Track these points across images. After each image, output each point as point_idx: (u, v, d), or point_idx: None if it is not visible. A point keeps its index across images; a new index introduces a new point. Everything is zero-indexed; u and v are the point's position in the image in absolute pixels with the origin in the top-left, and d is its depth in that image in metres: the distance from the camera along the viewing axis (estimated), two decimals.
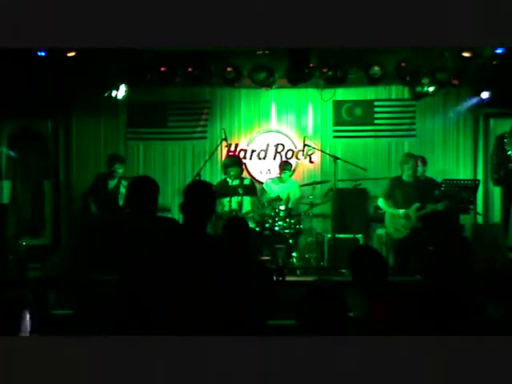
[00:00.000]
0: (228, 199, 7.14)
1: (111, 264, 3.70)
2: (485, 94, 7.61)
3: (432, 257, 5.00)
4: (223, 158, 8.14)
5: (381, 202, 7.15)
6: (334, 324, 2.88)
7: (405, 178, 6.99)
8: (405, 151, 7.98)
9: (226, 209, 7.12)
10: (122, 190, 6.99)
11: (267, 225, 7.13)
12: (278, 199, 7.15)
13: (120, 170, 7.25)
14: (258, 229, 7.11)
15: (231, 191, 7.20)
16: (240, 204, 7.15)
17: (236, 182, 7.29)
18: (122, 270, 3.59)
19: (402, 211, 6.88)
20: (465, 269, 4.66)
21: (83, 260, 7.02)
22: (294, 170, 7.89)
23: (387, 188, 7.11)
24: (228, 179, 7.38)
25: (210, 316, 3.21)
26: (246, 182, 7.48)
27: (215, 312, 3.29)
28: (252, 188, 7.49)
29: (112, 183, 7.24)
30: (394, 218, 6.95)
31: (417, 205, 6.82)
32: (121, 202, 7.03)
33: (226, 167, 7.52)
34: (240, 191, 7.14)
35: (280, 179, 7.67)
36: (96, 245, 6.69)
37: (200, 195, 3.39)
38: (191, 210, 3.34)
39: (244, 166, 7.91)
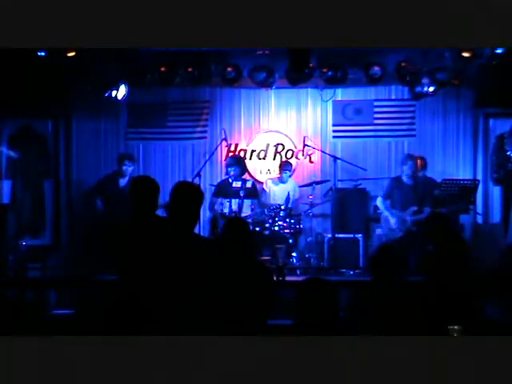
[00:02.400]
0: (228, 200, 7.13)
1: (111, 264, 3.71)
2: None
3: (431, 257, 4.99)
4: (223, 158, 8.13)
5: (379, 201, 7.18)
6: (323, 322, 2.89)
7: (404, 179, 7.03)
8: (405, 151, 7.97)
9: (226, 210, 7.11)
10: None
11: (267, 225, 7.12)
12: (279, 209, 7.13)
13: (130, 168, 7.37)
14: (257, 229, 7.10)
15: (232, 192, 7.18)
16: (240, 206, 7.14)
17: (238, 184, 7.27)
18: (121, 270, 3.59)
19: (394, 219, 6.92)
20: (463, 269, 4.66)
21: (84, 259, 7.03)
22: (294, 170, 7.87)
23: (387, 188, 7.17)
24: (230, 179, 7.37)
25: (209, 316, 3.21)
26: (248, 184, 7.45)
27: (214, 312, 3.29)
28: (254, 191, 7.45)
29: (123, 181, 7.36)
30: (388, 220, 7.02)
31: (413, 208, 6.87)
32: None
33: (226, 167, 7.51)
34: (241, 193, 7.13)
35: (280, 179, 7.67)
36: (96, 244, 6.71)
37: (186, 197, 3.40)
38: (177, 212, 3.35)
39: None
